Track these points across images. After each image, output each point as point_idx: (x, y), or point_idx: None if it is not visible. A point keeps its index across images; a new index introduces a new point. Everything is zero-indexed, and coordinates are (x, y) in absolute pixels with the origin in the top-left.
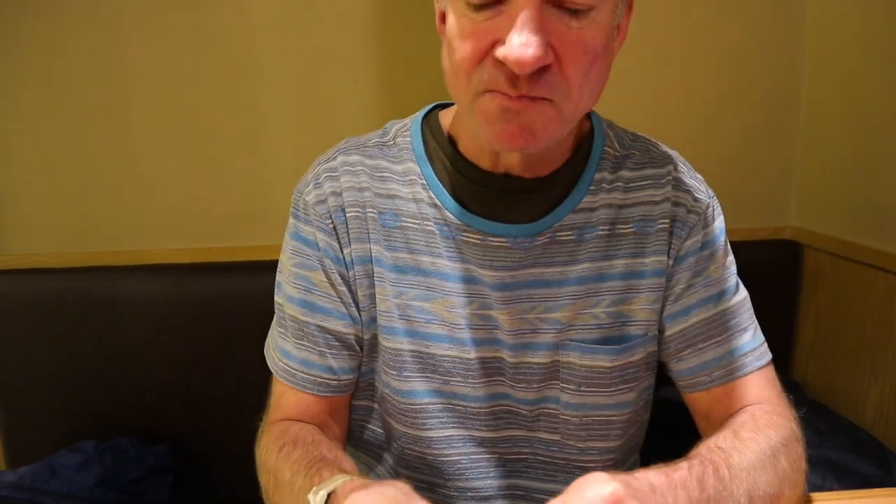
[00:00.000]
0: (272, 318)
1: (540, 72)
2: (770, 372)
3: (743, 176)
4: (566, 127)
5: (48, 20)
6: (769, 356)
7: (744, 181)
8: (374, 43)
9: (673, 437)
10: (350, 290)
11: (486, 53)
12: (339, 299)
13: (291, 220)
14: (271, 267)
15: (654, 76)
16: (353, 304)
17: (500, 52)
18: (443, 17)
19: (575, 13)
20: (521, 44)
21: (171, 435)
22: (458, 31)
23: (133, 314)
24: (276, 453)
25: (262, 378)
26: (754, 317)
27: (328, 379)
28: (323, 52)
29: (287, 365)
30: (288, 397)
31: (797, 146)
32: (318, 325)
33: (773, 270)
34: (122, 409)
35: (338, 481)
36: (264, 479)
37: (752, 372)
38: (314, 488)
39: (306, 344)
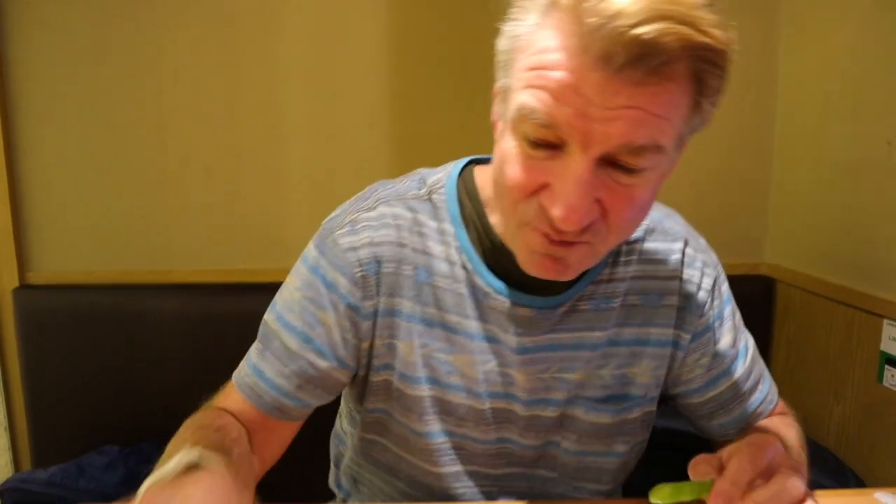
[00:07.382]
0: None
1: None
2: (781, 405)
3: (724, 218)
4: (598, 260)
5: (93, 65)
6: (776, 392)
7: (725, 222)
8: (389, 91)
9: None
10: (357, 337)
11: (535, 191)
12: (339, 343)
13: (314, 253)
14: None
15: None
16: (353, 350)
17: (548, 206)
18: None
19: (628, 171)
20: (568, 207)
21: None
22: (511, 157)
23: (159, 329)
24: (197, 420)
25: None
26: (762, 359)
27: (291, 409)
28: (341, 99)
29: (256, 384)
30: (235, 398)
31: (771, 193)
32: (310, 361)
33: (750, 303)
34: (145, 417)
35: (204, 457)
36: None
37: (770, 414)
38: (192, 447)
39: (288, 374)
